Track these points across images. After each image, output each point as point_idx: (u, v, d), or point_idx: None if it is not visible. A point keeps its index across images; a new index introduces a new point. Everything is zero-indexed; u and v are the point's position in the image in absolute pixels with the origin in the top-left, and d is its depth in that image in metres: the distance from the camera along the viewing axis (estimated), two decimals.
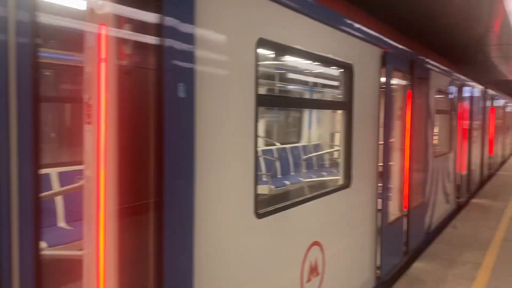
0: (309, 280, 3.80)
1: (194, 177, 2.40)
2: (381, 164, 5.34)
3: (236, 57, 2.81)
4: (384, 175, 5.33)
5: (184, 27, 2.30)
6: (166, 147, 2.22)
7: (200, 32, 2.42)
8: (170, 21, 2.21)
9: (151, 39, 2.20)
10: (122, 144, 2.25)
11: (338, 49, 4.16)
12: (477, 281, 5.76)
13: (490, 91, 15.06)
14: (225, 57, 2.70)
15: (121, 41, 2.26)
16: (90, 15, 2.27)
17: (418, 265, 6.36)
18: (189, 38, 2.33)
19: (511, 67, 16.45)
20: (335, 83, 9.43)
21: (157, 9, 2.18)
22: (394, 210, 6.02)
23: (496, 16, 8.36)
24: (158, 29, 2.19)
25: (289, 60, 6.32)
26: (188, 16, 2.32)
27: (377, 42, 5.02)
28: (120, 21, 2.24)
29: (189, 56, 2.34)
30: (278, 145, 8.02)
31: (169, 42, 2.21)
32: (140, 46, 2.27)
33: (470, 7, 7.81)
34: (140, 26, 2.23)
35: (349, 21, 4.38)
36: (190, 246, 2.40)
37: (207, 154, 2.54)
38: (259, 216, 3.12)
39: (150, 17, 2.19)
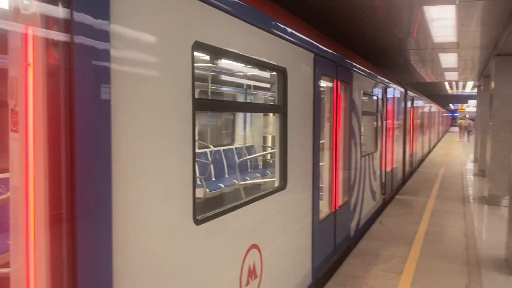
0: (247, 283, 3.81)
1: (111, 184, 2.26)
2: (313, 164, 5.47)
3: (168, 59, 2.71)
4: (315, 175, 5.47)
5: (97, 24, 2.15)
6: (78, 153, 2.09)
7: (118, 30, 2.28)
8: (79, 16, 2.06)
9: (64, 37, 2.06)
10: (48, 152, 2.12)
11: (272, 53, 4.21)
12: (404, 274, 6.08)
13: (410, 93, 15.98)
14: (154, 58, 2.59)
15: (44, 41, 2.11)
16: (12, 14, 2.12)
17: (349, 261, 6.59)
18: (102, 36, 2.18)
19: (428, 70, 17.59)
20: (267, 86, 9.56)
21: (67, 4, 2.04)
22: (325, 208, 6.20)
23: (415, 22, 8.90)
24: (68, 26, 2.04)
25: (226, 63, 6.32)
26: (101, 12, 2.17)
27: (308, 47, 5.14)
28: (42, 20, 2.09)
29: (103, 56, 2.19)
30: (212, 148, 7.97)
31: (79, 39, 2.06)
32: (59, 45, 2.11)
33: (391, 14, 8.25)
34: (56, 23, 2.09)
35: (283, 26, 4.45)
36: (107, 257, 2.25)
37: (135, 161, 2.42)
38: (198, 222, 3.08)
39: (63, 13, 2.05)
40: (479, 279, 5.95)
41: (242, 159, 8.84)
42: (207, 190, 7.32)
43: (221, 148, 8.94)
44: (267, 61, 4.09)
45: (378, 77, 9.62)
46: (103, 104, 2.20)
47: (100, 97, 2.18)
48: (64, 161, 2.09)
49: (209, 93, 7.85)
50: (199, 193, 7.07)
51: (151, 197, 2.58)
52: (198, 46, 3.02)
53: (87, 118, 2.12)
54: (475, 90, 27.89)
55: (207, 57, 3.88)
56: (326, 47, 5.88)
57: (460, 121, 50.97)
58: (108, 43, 2.22)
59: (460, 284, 5.75)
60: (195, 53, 3.02)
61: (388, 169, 11.49)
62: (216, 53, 3.32)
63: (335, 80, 6.31)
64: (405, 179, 15.19)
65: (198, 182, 7.59)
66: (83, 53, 2.09)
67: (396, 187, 13.05)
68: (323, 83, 6.00)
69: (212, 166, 8.35)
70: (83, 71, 2.09)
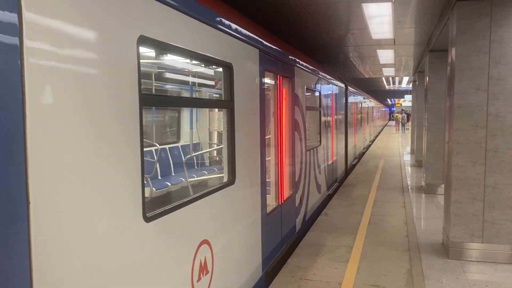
0: (199, 279, 3.81)
1: (26, 186, 2.06)
2: (261, 159, 5.54)
3: (110, 54, 2.62)
4: (263, 170, 5.54)
5: (4, 16, 1.93)
6: None
7: (34, 22, 2.08)
8: None
9: None
10: None
11: (218, 48, 4.21)
12: (350, 262, 6.29)
13: (351, 89, 16.48)
14: (89, 53, 2.44)
15: None
16: None
17: (297, 253, 6.73)
18: (11, 29, 1.98)
19: (366, 66, 18.21)
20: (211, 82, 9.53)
21: None
22: (272, 202, 6.29)
23: (354, 19, 9.19)
24: None
25: (172, 59, 6.23)
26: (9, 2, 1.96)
27: (253, 43, 5.18)
28: None
29: (11, 50, 1.98)
30: (157, 146, 7.85)
31: None
32: None
33: (331, 10, 8.47)
34: None
35: (229, 22, 4.46)
36: (23, 266, 2.04)
37: (66, 161, 2.27)
38: (148, 219, 3.04)
39: None
40: (419, 264, 6.27)
41: (188, 156, 8.78)
42: (154, 189, 7.21)
43: (167, 146, 8.83)
44: (214, 56, 4.09)
45: (320, 73, 9.85)
46: (13, 103, 1.99)
47: (8, 96, 1.97)
48: None
49: (153, 90, 7.71)
50: (145, 192, 6.94)
51: (92, 197, 2.48)
52: (144, 40, 2.97)
53: None
54: (411, 85, 29.22)
55: (153, 53, 3.82)
56: (270, 43, 5.95)
57: (396, 114, 53.33)
58: (17, 37, 2.00)
59: (402, 269, 6.03)
60: (142, 48, 2.97)
61: (333, 161, 11.81)
62: (162, 48, 3.28)
63: (278, 76, 6.41)
64: (348, 171, 15.68)
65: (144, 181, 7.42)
66: None
67: (340, 179, 13.44)
68: (268, 79, 6.08)
69: (158, 165, 8.22)
70: None
